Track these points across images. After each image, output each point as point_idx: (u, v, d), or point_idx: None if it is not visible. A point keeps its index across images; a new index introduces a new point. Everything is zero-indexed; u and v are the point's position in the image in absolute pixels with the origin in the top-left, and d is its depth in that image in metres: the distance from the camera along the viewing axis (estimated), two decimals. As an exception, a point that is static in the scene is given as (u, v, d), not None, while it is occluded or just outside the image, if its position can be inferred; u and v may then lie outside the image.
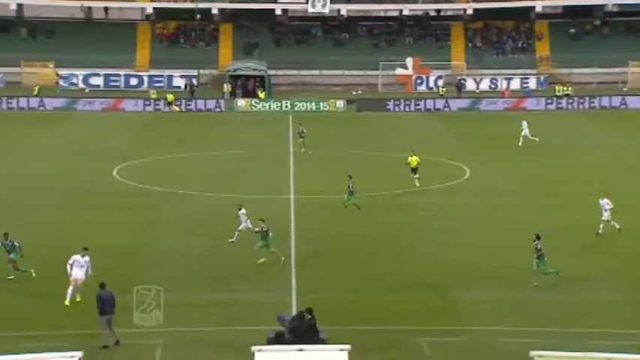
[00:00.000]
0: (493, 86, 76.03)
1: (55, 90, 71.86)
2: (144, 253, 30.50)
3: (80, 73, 74.85)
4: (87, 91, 72.93)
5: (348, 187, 36.37)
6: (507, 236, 32.88)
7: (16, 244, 27.45)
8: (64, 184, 41.33)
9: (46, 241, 31.55)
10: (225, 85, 71.94)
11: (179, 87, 73.99)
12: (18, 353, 16.47)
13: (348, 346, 17.13)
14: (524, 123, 52.50)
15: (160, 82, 75.35)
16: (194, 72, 74.67)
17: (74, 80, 74.70)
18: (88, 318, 23.33)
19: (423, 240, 32.67)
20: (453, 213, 36.68)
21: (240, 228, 31.39)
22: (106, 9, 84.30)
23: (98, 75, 75.24)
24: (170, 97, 67.72)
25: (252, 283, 27.49)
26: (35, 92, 68.32)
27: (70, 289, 24.96)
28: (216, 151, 50.92)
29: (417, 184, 40.42)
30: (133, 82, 75.66)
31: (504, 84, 75.50)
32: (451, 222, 35.15)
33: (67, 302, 24.88)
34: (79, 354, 16.10)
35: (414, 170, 40.70)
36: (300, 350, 17.05)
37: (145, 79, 75.75)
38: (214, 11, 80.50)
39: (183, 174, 44.46)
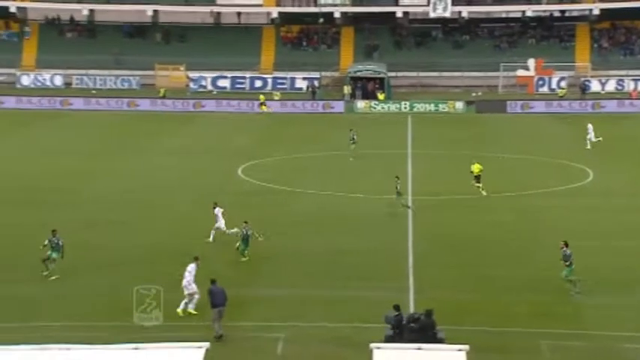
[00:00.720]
0: (620, 87, 73.88)
1: (185, 92, 74.35)
2: (266, 249, 31.37)
3: (209, 75, 77.25)
4: (214, 92, 75.23)
5: (396, 187, 36.43)
6: (631, 240, 32.19)
7: (60, 243, 27.61)
8: (194, 182, 42.73)
9: (176, 236, 32.92)
10: (345, 87, 72.68)
11: (301, 89, 75.33)
12: (140, 342, 16.87)
13: (466, 347, 17.01)
14: (590, 126, 50.99)
15: (283, 84, 76.86)
16: (316, 74, 75.82)
17: (203, 82, 77.15)
18: (207, 309, 23.91)
19: (544, 242, 32.26)
20: (576, 216, 36.12)
21: (216, 226, 31.83)
22: (238, 14, 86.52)
23: (225, 77, 77.46)
24: (262, 97, 68.93)
25: (370, 282, 27.86)
26: (161, 94, 70.93)
27: (196, 298, 24.56)
28: (336, 150, 51.59)
29: (483, 193, 38.93)
30: (258, 84, 77.41)
31: (632, 85, 73.25)
32: (573, 225, 34.58)
33: (192, 311, 24.58)
34: (207, 344, 16.56)
35: (477, 178, 39.50)
36: (419, 349, 17.16)
37: (269, 81, 77.42)
38: (337, 14, 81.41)
39: (303, 173, 45.33)
